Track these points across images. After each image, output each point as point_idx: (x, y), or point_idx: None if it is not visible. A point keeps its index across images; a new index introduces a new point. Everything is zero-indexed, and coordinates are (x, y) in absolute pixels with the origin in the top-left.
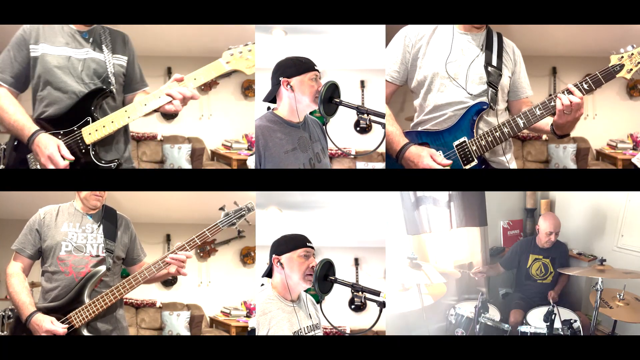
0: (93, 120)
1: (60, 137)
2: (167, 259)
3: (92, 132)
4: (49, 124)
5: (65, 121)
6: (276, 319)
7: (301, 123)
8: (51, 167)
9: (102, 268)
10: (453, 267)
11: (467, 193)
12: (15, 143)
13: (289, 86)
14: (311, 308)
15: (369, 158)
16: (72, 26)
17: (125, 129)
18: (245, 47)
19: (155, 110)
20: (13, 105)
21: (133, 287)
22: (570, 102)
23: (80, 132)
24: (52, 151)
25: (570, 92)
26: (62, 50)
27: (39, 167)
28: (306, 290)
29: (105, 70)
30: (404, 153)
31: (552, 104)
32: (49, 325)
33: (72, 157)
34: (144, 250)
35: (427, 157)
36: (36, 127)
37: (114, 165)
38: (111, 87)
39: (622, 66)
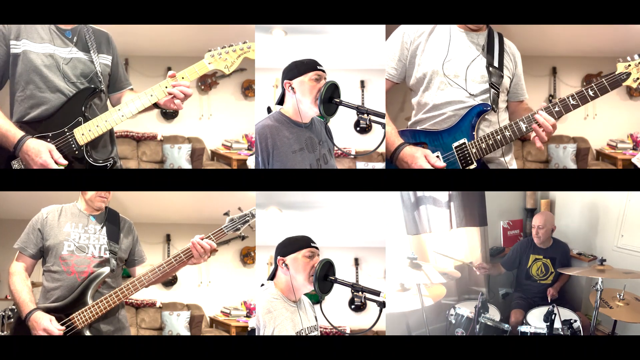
0: (85, 121)
1: (49, 140)
2: (198, 240)
3: (85, 133)
4: (33, 127)
5: (54, 123)
6: (280, 318)
7: (308, 124)
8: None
9: (106, 269)
10: (453, 267)
11: (467, 193)
12: None
13: (290, 88)
14: (309, 310)
15: (369, 158)
16: (57, 25)
17: (110, 130)
18: (223, 49)
19: (155, 105)
20: None
21: (137, 289)
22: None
23: (72, 133)
24: (45, 159)
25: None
26: (45, 47)
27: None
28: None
29: (92, 70)
30: (399, 153)
31: (557, 109)
32: (46, 323)
33: (66, 162)
34: (145, 253)
35: (422, 158)
36: (22, 133)
37: (109, 164)
38: (101, 86)
39: (628, 75)
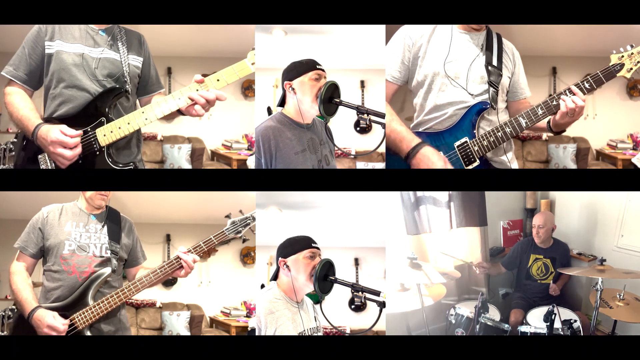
0: (107, 121)
1: None
2: (181, 254)
3: (107, 134)
4: (61, 123)
5: (78, 121)
6: (282, 319)
7: (310, 125)
8: (61, 151)
9: (107, 270)
10: (453, 267)
11: (467, 193)
12: (24, 143)
13: (291, 89)
14: (312, 311)
15: (369, 158)
16: (90, 25)
17: (138, 131)
18: None
19: (179, 112)
20: (23, 101)
21: (139, 290)
22: (575, 104)
23: (95, 133)
24: (56, 136)
25: (572, 93)
26: (77, 47)
27: (50, 166)
28: None
29: (120, 70)
30: (417, 151)
31: (555, 103)
32: (50, 319)
33: (80, 132)
34: (145, 254)
35: (440, 163)
36: (39, 121)
37: (130, 168)
38: (126, 86)
39: (622, 65)
